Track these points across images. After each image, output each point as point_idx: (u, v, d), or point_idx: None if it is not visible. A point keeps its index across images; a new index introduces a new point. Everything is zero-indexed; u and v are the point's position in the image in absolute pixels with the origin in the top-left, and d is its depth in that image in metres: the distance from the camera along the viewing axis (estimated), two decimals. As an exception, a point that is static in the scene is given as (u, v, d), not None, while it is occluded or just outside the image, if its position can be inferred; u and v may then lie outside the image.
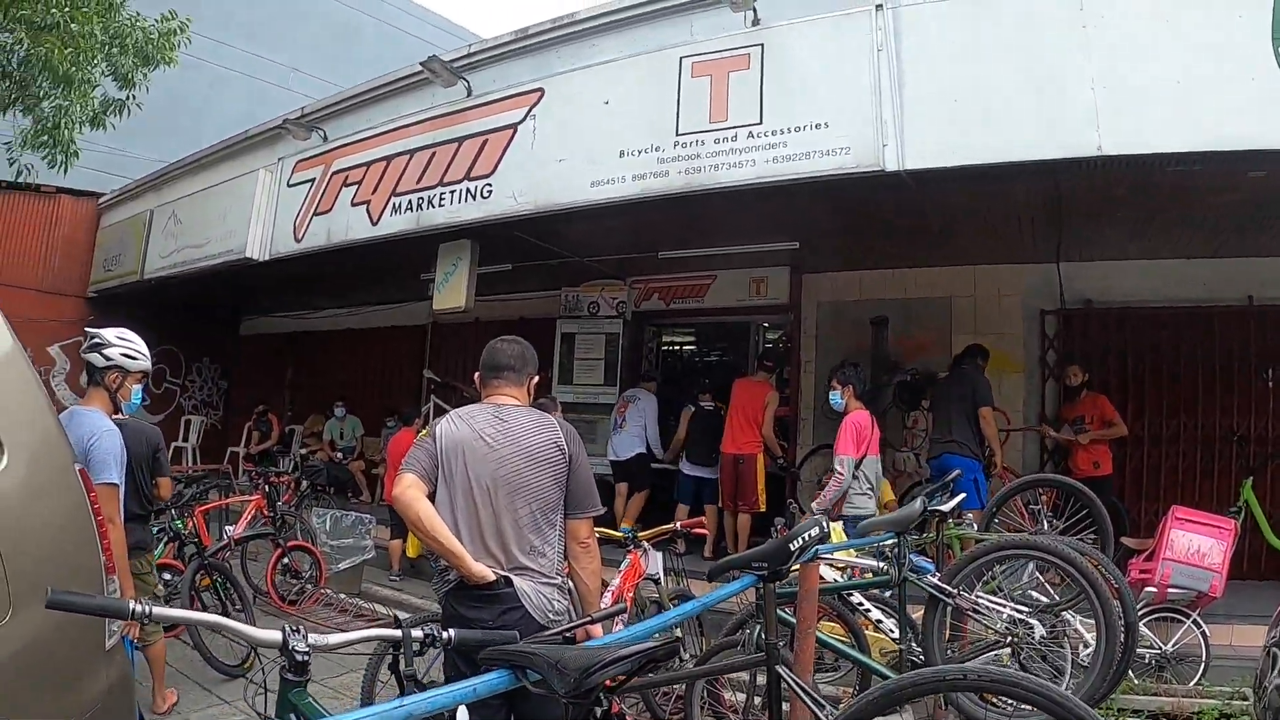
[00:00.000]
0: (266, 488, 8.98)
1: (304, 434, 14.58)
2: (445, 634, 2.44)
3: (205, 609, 6.20)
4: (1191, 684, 5.75)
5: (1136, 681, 5.61)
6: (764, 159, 6.37)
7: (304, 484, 10.97)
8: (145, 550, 5.24)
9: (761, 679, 3.42)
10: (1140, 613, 5.60)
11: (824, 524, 3.17)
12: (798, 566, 3.56)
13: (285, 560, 8.32)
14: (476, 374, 3.60)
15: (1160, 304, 8.61)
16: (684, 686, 4.72)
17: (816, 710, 2.91)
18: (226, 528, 8.39)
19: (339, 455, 13.46)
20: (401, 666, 2.37)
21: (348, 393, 14.42)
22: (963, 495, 5.72)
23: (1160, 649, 6.04)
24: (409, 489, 3.23)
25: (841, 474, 6.82)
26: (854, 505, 6.88)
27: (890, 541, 4.69)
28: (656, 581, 5.73)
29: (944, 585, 4.29)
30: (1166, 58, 5.38)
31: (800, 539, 3.06)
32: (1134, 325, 8.78)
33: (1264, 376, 8.23)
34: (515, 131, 7.76)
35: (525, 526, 3.27)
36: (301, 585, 8.40)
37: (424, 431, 3.50)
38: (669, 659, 2.72)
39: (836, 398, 7.18)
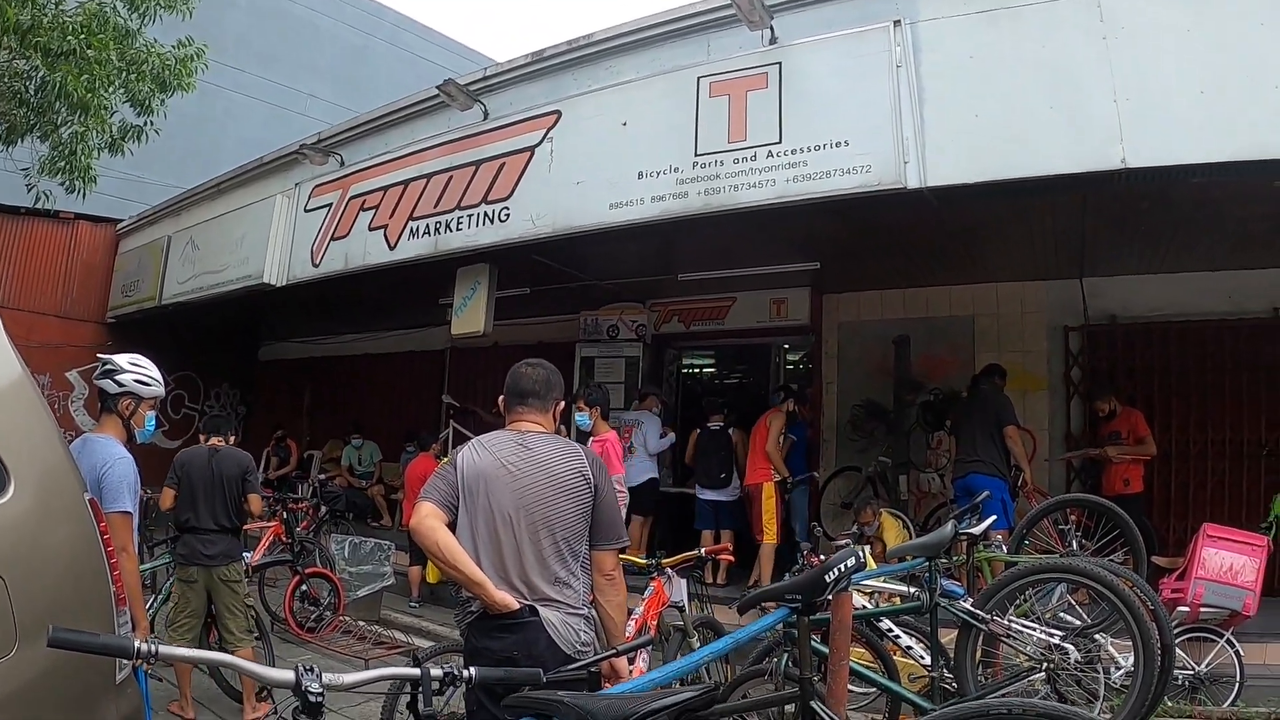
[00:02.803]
0: (285, 514, 8.95)
1: (322, 459, 14.55)
2: (466, 672, 2.35)
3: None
4: (1226, 705, 5.65)
5: (1170, 704, 5.49)
6: (784, 178, 6.30)
7: (322, 510, 10.93)
8: (234, 560, 6.01)
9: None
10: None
11: (859, 554, 3.09)
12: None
13: (303, 587, 8.27)
14: (500, 399, 3.52)
15: (1185, 317, 8.50)
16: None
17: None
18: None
19: (361, 482, 13.46)
20: (420, 707, 2.27)
21: (366, 418, 14.40)
22: (993, 518, 5.60)
23: (1194, 669, 5.93)
24: (427, 518, 3.16)
25: (624, 492, 7.12)
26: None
27: (921, 566, 4.61)
28: (681, 609, 5.65)
29: (977, 611, 4.19)
30: (1189, 68, 5.32)
31: (835, 570, 2.97)
32: (1159, 340, 8.68)
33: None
34: (532, 154, 7.73)
35: (549, 557, 3.19)
36: (320, 612, 8.33)
37: (445, 460, 3.42)
38: (706, 709, 2.62)
39: (585, 419, 7.13)
